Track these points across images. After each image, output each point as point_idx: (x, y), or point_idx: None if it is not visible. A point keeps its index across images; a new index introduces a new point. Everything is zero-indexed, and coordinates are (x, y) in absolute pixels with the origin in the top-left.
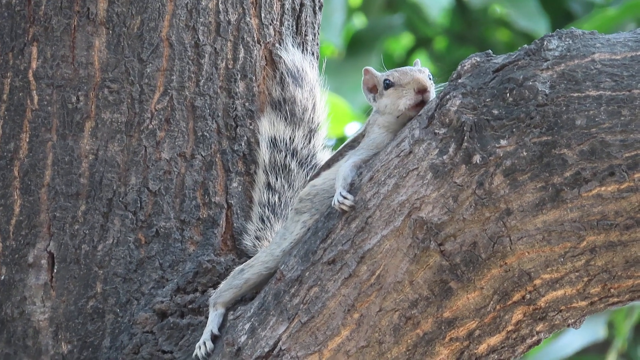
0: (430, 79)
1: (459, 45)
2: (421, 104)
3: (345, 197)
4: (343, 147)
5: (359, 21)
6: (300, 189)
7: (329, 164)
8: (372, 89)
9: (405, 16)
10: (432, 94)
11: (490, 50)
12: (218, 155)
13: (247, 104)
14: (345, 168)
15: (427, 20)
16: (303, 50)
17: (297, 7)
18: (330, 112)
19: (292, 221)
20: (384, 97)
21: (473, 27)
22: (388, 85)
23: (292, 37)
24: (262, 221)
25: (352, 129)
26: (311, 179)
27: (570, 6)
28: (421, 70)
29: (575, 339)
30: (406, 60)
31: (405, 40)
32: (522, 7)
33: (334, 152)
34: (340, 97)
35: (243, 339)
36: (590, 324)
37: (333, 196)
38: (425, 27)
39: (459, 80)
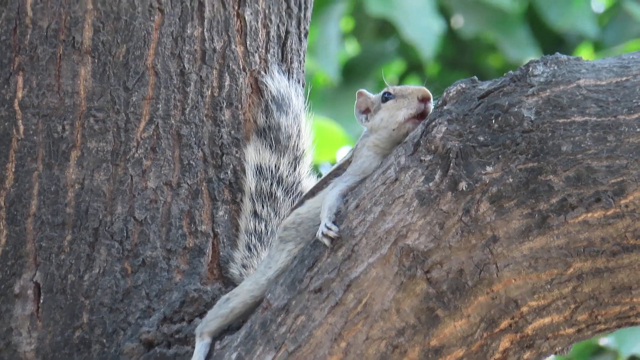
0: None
1: (451, 71)
2: (421, 116)
3: (329, 228)
4: (328, 175)
5: (352, 47)
6: (285, 217)
7: (313, 192)
8: (365, 111)
9: (397, 43)
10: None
11: (475, 77)
12: (204, 184)
13: (232, 131)
14: (330, 197)
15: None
16: (289, 77)
17: (283, 35)
18: (325, 139)
19: (276, 250)
20: (381, 110)
21: (465, 53)
22: (387, 98)
23: (278, 64)
24: (249, 249)
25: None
26: (295, 207)
27: (563, 34)
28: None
29: None
30: (398, 84)
31: (397, 65)
32: (512, 36)
33: (319, 180)
34: (338, 125)
35: None
36: None
37: (318, 225)
38: (417, 54)
39: (445, 107)
